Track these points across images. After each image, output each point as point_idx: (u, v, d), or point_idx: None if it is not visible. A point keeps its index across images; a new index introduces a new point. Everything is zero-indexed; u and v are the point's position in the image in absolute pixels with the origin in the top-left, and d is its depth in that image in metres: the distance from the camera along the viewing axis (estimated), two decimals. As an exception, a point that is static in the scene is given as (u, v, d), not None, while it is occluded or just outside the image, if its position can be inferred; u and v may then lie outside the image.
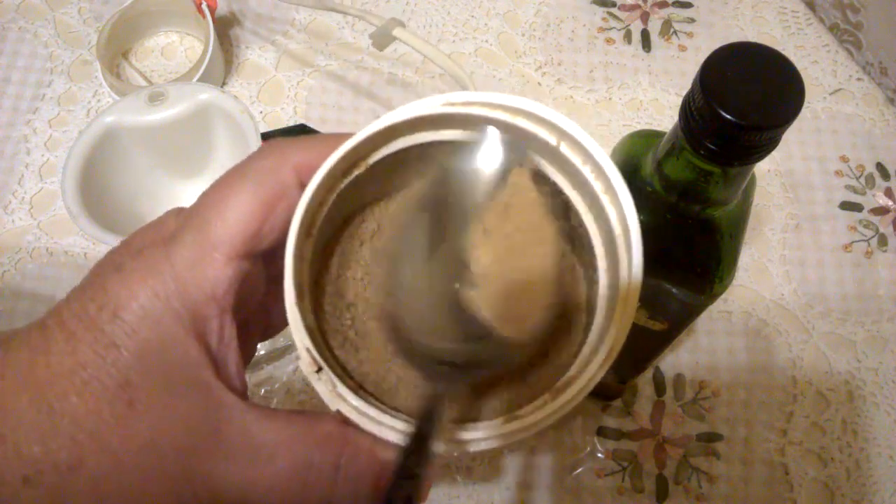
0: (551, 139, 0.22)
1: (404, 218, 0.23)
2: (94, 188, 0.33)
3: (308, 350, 0.20)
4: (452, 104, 0.21)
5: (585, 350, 0.21)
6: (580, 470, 0.45)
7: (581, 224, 0.23)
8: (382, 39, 0.40)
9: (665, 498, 0.45)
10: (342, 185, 0.22)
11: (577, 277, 0.23)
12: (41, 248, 0.50)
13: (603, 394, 0.46)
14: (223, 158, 0.37)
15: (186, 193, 0.38)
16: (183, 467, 0.20)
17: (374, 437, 0.21)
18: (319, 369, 0.20)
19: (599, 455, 0.45)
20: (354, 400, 0.20)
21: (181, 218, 0.22)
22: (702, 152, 0.26)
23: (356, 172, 0.22)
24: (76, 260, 0.50)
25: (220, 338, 0.21)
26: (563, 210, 0.23)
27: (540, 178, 0.23)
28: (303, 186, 0.22)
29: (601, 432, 0.46)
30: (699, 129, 0.25)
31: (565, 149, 0.22)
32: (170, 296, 0.20)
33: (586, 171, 0.22)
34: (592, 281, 0.22)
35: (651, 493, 0.45)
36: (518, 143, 0.22)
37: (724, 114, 0.24)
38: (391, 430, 0.21)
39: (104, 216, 0.33)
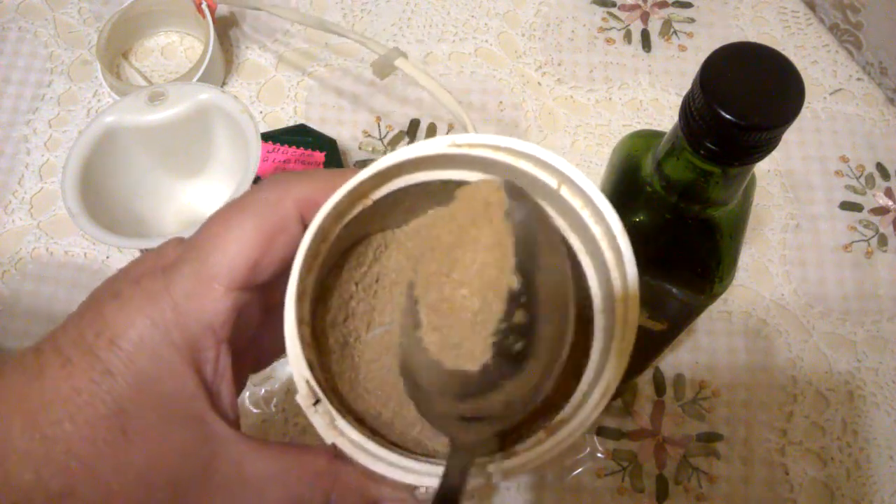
0: (552, 182, 0.22)
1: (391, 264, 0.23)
2: (94, 188, 0.33)
3: (307, 382, 0.20)
4: (458, 145, 0.22)
5: (582, 386, 0.21)
6: (580, 470, 0.45)
7: (578, 265, 0.23)
8: (384, 69, 0.40)
9: (665, 498, 0.45)
10: (346, 220, 0.22)
11: (571, 317, 0.23)
12: (41, 248, 0.50)
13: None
14: (223, 158, 0.37)
15: (186, 193, 0.38)
16: (174, 498, 0.20)
17: (364, 475, 0.21)
18: (317, 402, 0.20)
19: (599, 455, 0.45)
20: (353, 434, 0.20)
21: (181, 248, 0.21)
22: (702, 152, 0.26)
23: (360, 207, 0.22)
24: (76, 260, 0.50)
25: (216, 368, 0.21)
26: (555, 245, 0.23)
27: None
28: (303, 220, 0.21)
29: (601, 432, 0.46)
30: (699, 129, 0.25)
31: (565, 192, 0.22)
32: (167, 325, 0.20)
33: (585, 214, 0.22)
34: (588, 321, 0.22)
35: (651, 493, 0.45)
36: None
37: (724, 114, 0.24)
38: (387, 464, 0.20)
39: (104, 216, 0.33)
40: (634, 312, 0.21)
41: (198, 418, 0.20)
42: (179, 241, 0.22)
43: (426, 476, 0.20)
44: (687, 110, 0.26)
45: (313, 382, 0.20)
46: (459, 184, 0.22)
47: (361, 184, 0.21)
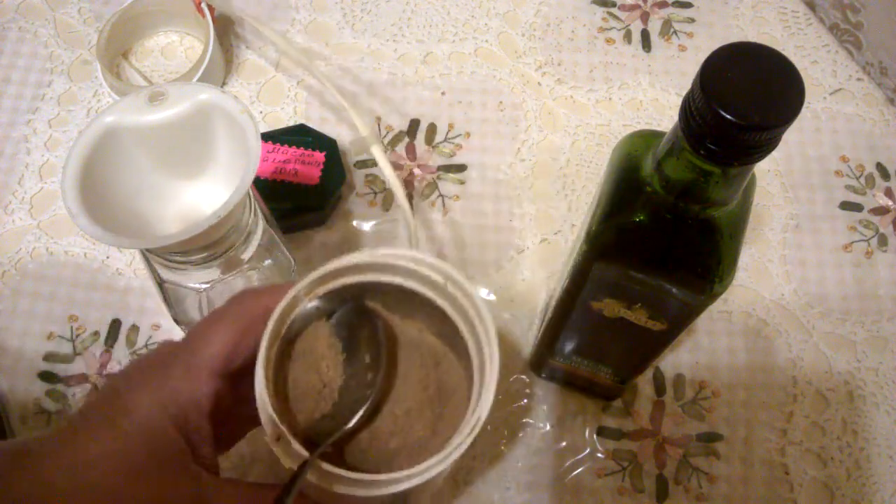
0: (441, 280, 0.31)
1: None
2: (94, 188, 0.33)
3: (273, 420, 0.27)
4: (377, 255, 0.30)
5: (468, 419, 0.29)
6: (580, 470, 0.45)
7: (463, 339, 0.31)
8: (360, 149, 0.48)
9: (665, 498, 0.45)
10: (296, 312, 0.30)
11: (461, 381, 0.32)
12: (41, 248, 0.50)
13: (603, 394, 0.46)
14: (223, 158, 0.37)
15: (186, 193, 0.38)
16: None
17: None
18: (279, 438, 0.27)
19: (599, 455, 0.45)
20: (305, 453, 0.27)
21: (175, 345, 0.29)
22: (702, 152, 0.26)
23: (307, 302, 0.31)
24: (76, 260, 0.50)
25: (200, 433, 0.29)
26: (452, 331, 0.31)
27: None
28: (266, 323, 0.29)
29: (601, 432, 0.46)
30: (699, 129, 0.25)
31: (450, 286, 0.31)
32: (166, 402, 0.28)
33: (465, 302, 0.30)
34: (472, 381, 0.31)
35: (651, 493, 0.45)
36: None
37: (724, 114, 0.24)
38: (332, 478, 0.27)
39: (104, 216, 0.33)
40: (496, 364, 0.29)
41: (187, 468, 0.28)
42: (170, 342, 0.30)
43: (356, 485, 0.27)
44: (687, 110, 0.26)
45: (276, 419, 0.27)
46: (376, 284, 0.31)
47: (304, 287, 0.30)
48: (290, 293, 0.29)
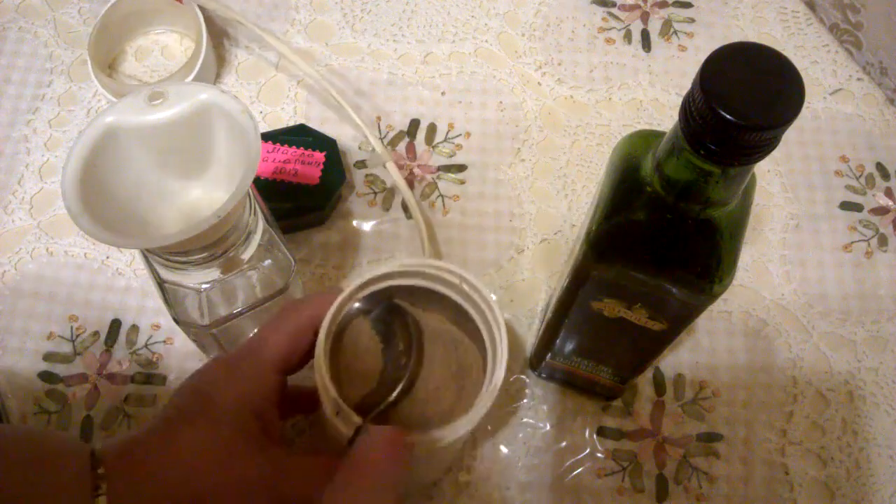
0: (456, 280, 0.37)
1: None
2: (94, 188, 0.33)
3: (335, 399, 0.34)
4: (404, 265, 0.37)
5: (485, 387, 0.36)
6: (580, 470, 0.45)
7: (477, 329, 0.38)
8: (375, 162, 0.53)
9: (665, 498, 0.45)
10: (343, 312, 0.37)
11: (476, 358, 0.38)
12: (41, 248, 0.50)
13: (603, 394, 0.46)
14: (223, 158, 0.37)
15: (186, 193, 0.38)
16: (260, 488, 0.33)
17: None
18: (338, 413, 0.34)
19: (599, 455, 0.45)
20: (359, 419, 0.33)
21: (243, 351, 0.36)
22: (702, 152, 0.26)
23: (351, 304, 0.38)
24: (76, 260, 0.50)
25: (271, 419, 0.35)
26: (465, 319, 0.38)
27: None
28: (315, 329, 0.36)
29: (601, 432, 0.46)
30: (699, 129, 0.25)
31: (465, 285, 0.37)
32: (245, 395, 0.34)
33: (477, 297, 0.37)
34: (486, 360, 0.37)
35: (651, 493, 0.45)
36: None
37: (724, 114, 0.24)
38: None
39: (104, 216, 0.33)
40: (505, 344, 0.36)
41: (265, 448, 0.34)
42: (237, 349, 0.36)
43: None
44: (687, 110, 0.26)
45: (338, 398, 0.34)
46: (404, 287, 0.38)
47: (348, 296, 0.37)
48: (338, 300, 0.36)
